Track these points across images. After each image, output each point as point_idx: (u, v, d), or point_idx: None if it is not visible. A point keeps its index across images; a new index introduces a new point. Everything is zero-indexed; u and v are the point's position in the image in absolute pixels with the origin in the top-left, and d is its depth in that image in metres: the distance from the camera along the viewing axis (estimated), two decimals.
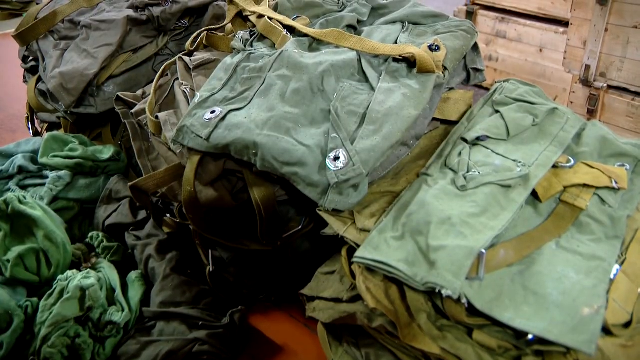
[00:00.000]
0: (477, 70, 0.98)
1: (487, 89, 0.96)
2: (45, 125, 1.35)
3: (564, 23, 2.31)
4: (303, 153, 0.76)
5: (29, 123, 1.35)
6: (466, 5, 2.62)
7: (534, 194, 0.75)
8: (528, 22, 2.44)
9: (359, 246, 0.71)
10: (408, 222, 0.70)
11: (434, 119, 0.91)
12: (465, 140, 0.83)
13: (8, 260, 0.87)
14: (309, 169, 0.75)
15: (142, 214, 1.01)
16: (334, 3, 1.08)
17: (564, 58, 2.28)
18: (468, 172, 0.76)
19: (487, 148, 0.81)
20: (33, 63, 1.30)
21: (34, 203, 0.92)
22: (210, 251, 0.89)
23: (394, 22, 1.02)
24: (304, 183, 0.76)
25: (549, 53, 2.38)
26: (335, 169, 0.74)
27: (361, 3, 1.08)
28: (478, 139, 0.82)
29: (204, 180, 0.85)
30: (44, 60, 1.21)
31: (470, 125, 0.86)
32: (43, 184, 1.05)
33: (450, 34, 0.95)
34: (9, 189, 1.07)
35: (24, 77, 1.35)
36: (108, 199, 1.05)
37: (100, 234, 0.98)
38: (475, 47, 0.99)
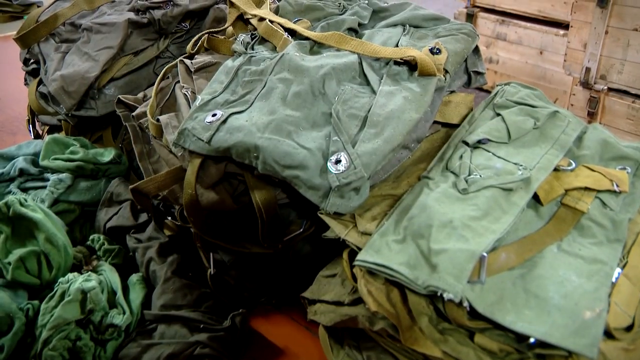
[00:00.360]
0: (478, 73, 0.98)
1: (488, 92, 0.96)
2: (46, 128, 1.35)
3: (564, 25, 2.31)
4: (304, 156, 0.76)
5: (30, 125, 1.35)
6: (466, 7, 2.62)
7: (535, 197, 0.75)
8: (528, 24, 2.44)
9: (360, 249, 0.71)
10: (409, 225, 0.70)
11: (435, 122, 0.91)
12: (466, 144, 0.83)
13: (9, 263, 0.87)
14: (310, 172, 0.75)
15: (143, 217, 1.01)
16: (334, 6, 1.08)
17: (564, 60, 2.28)
18: (469, 175, 0.76)
19: (489, 151, 0.81)
20: (34, 66, 1.30)
21: (35, 206, 0.92)
22: (211, 254, 0.89)
23: (395, 25, 1.02)
24: (305, 186, 0.76)
25: (549, 55, 2.38)
26: (336, 172, 0.74)
27: (362, 6, 1.08)
28: (479, 142, 0.82)
29: (205, 183, 0.85)
30: (45, 63, 1.21)
31: (471, 128, 0.86)
32: (44, 187, 1.05)
33: (451, 37, 0.95)
34: (10, 192, 1.07)
35: (25, 79, 1.35)
36: (109, 202, 1.05)
37: (101, 237, 0.98)
38: (476, 50, 0.99)
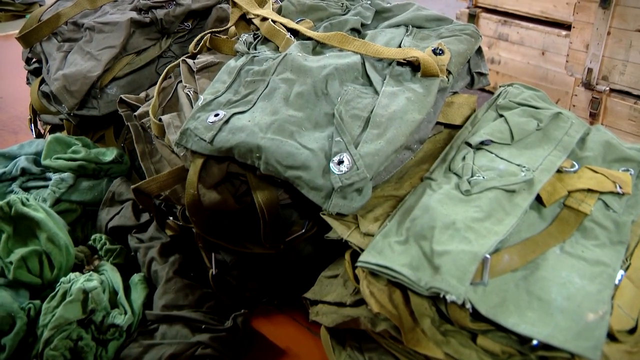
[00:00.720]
0: (481, 74, 0.98)
1: (491, 93, 0.96)
2: (48, 127, 1.35)
3: (567, 26, 2.31)
4: (307, 157, 0.76)
5: (32, 125, 1.35)
6: (468, 8, 2.62)
7: (538, 198, 0.75)
8: (530, 25, 2.44)
9: (362, 250, 0.71)
10: (412, 226, 0.70)
11: (438, 123, 0.91)
12: (469, 145, 0.83)
13: (11, 262, 0.87)
14: (312, 172, 0.75)
15: (145, 217, 1.01)
16: (337, 6, 1.08)
17: (566, 61, 2.28)
18: (472, 176, 0.76)
19: (491, 152, 0.80)
20: (36, 65, 1.30)
21: (37, 205, 0.92)
22: (213, 254, 0.89)
23: (397, 25, 1.02)
24: (308, 187, 0.76)
25: (551, 56, 2.38)
26: (339, 172, 0.74)
27: (365, 6, 1.08)
28: (482, 143, 0.82)
29: (207, 183, 0.85)
30: (47, 62, 1.21)
31: (474, 129, 0.86)
32: (46, 186, 1.05)
33: (454, 38, 0.95)
34: (11, 191, 1.07)
35: (27, 79, 1.35)
36: (111, 202, 1.05)
37: (103, 237, 0.98)
38: (479, 51, 0.99)
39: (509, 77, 2.52)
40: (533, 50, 2.44)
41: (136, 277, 0.91)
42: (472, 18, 2.59)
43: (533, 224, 0.72)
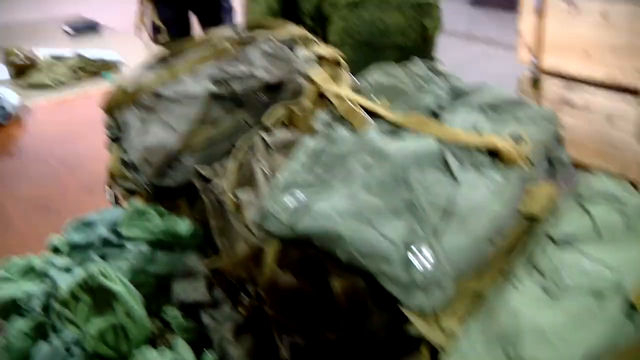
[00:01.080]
0: (561, 162, 0.96)
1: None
2: (125, 194, 1.39)
3: (635, 92, 2.26)
4: (387, 247, 0.76)
5: (109, 190, 1.39)
6: (531, 72, 2.60)
7: (630, 302, 0.72)
8: (596, 90, 2.40)
9: (443, 349, 0.69)
10: (496, 329, 0.68)
11: (517, 213, 0.90)
12: (551, 239, 0.81)
13: (90, 333, 0.89)
14: (392, 264, 0.75)
15: (219, 293, 1.02)
16: (413, 86, 1.09)
17: (636, 129, 2.22)
18: (557, 276, 0.74)
19: (576, 249, 0.78)
20: (116, 132, 1.35)
21: (115, 277, 0.94)
22: (287, 337, 0.89)
23: (474, 107, 1.02)
24: (387, 278, 0.75)
25: (618, 123, 2.32)
26: (420, 266, 0.73)
27: (441, 86, 1.08)
28: (565, 238, 0.80)
29: (284, 266, 0.85)
30: (127, 131, 1.25)
31: (555, 222, 0.84)
32: (123, 256, 1.08)
33: (533, 124, 0.94)
34: (89, 259, 1.10)
35: (107, 145, 1.40)
36: (184, 276, 1.06)
37: (176, 311, 0.99)
38: (559, 138, 0.97)
39: (574, 143, 2.47)
40: (599, 116, 2.39)
41: (209, 357, 0.92)
42: (535, 82, 2.57)
43: (625, 331, 0.69)
